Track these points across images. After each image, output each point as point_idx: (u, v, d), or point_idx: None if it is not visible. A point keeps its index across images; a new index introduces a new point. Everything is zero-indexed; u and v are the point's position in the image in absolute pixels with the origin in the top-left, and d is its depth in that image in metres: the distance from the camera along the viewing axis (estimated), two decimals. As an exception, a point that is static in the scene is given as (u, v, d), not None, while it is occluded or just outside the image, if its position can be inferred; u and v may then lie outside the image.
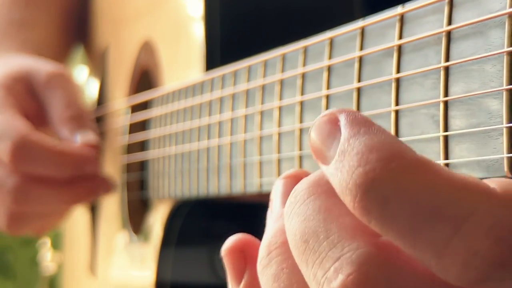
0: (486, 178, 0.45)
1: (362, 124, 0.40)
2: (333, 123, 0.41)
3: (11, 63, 1.03)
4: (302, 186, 0.43)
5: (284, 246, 0.44)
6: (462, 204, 0.37)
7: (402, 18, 0.51)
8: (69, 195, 0.97)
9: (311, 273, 0.40)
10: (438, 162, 0.48)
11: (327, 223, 0.41)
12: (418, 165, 0.38)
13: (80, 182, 0.97)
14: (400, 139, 0.46)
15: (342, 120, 0.41)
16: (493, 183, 0.38)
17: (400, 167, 0.38)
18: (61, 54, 1.19)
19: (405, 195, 0.38)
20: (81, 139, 0.96)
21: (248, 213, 0.92)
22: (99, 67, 1.22)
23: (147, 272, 0.97)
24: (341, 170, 0.39)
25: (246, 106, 0.71)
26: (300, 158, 0.63)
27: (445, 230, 0.37)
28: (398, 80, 0.52)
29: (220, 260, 0.61)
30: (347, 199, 0.39)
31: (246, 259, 0.49)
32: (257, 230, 0.95)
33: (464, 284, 0.37)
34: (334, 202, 0.42)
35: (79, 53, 1.32)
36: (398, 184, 0.38)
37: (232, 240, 0.50)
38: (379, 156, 0.38)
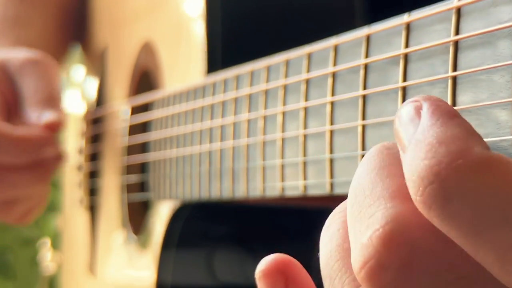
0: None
1: (443, 115, 0.39)
2: (416, 110, 0.40)
3: None
4: (374, 147, 0.43)
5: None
6: None
7: (408, 27, 0.51)
8: (34, 176, 0.98)
9: (352, 228, 0.40)
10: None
11: (375, 180, 0.41)
12: (486, 164, 0.36)
13: (44, 153, 0.98)
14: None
15: (425, 108, 0.40)
16: None
17: (467, 165, 0.36)
18: (57, 52, 1.19)
19: (469, 194, 0.36)
20: (43, 119, 0.96)
21: (250, 216, 0.92)
22: (98, 67, 1.22)
23: (146, 273, 0.97)
24: (410, 160, 0.38)
25: (249, 111, 0.71)
26: (304, 164, 0.63)
27: (510, 234, 0.35)
28: (404, 89, 0.51)
29: (217, 263, 0.60)
30: (412, 191, 0.38)
31: (287, 283, 0.45)
32: (259, 233, 0.95)
33: None
34: (392, 163, 0.41)
35: (76, 53, 1.31)
36: (463, 183, 0.36)
37: (269, 261, 0.45)
38: (447, 151, 0.37)
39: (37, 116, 0.97)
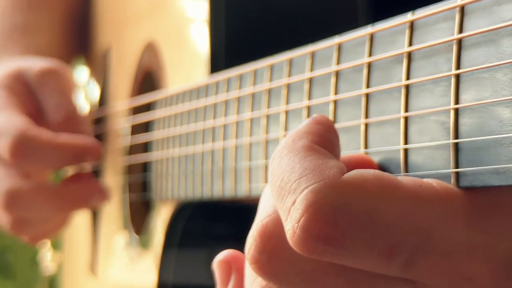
0: (497, 186, 0.45)
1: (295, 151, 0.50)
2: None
3: (9, 65, 1.04)
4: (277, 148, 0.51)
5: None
6: None
7: (412, 25, 0.52)
8: (62, 202, 0.98)
9: (282, 207, 0.47)
10: (448, 170, 0.48)
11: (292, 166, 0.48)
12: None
13: (74, 188, 0.98)
14: (409, 145, 0.50)
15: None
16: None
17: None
18: (65, 57, 1.19)
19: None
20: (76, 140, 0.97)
21: (252, 216, 0.92)
22: (101, 68, 1.22)
23: (148, 274, 0.97)
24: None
25: (252, 110, 0.71)
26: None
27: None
28: (407, 87, 0.52)
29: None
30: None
31: (231, 269, 0.56)
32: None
33: None
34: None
35: (79, 60, 1.32)
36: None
37: (221, 254, 0.57)
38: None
39: (67, 139, 0.96)
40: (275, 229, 0.49)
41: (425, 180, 0.47)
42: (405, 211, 0.45)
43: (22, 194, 0.96)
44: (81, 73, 1.31)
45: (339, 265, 0.47)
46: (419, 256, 0.45)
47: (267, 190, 0.54)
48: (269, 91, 0.69)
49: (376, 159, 0.55)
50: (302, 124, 0.51)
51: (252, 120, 0.71)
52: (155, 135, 0.97)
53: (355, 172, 0.46)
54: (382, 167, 0.53)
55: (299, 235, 0.45)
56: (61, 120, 0.98)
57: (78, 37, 1.25)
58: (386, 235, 0.45)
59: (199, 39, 0.88)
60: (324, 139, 0.50)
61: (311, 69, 0.63)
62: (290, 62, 0.66)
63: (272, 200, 0.50)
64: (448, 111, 0.48)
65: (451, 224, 0.46)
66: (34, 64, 1.02)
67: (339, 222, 0.44)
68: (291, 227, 0.46)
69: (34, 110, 1.01)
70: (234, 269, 0.55)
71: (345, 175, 0.46)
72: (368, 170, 0.46)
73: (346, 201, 0.45)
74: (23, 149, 0.94)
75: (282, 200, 0.47)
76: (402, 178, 0.47)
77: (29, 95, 1.01)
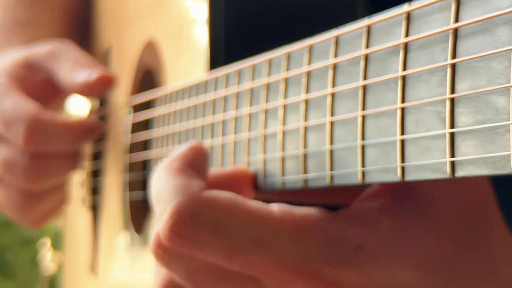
0: (492, 175, 0.45)
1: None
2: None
3: (12, 55, 1.04)
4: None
5: None
6: None
7: (408, 16, 0.52)
8: (71, 163, 1.01)
9: (157, 212, 0.65)
10: (444, 160, 0.48)
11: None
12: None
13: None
14: (405, 136, 0.51)
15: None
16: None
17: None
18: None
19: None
20: (95, 74, 0.97)
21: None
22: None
23: (149, 273, 0.97)
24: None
25: (251, 105, 0.72)
26: (305, 156, 0.63)
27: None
28: (404, 78, 0.52)
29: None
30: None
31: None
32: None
33: None
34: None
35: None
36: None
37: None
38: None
39: (88, 74, 0.97)
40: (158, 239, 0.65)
41: (271, 204, 0.62)
42: (243, 223, 0.61)
43: (42, 164, 0.98)
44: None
45: (202, 262, 0.63)
46: (252, 258, 0.60)
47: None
48: (268, 86, 0.69)
49: (373, 150, 0.55)
50: (180, 148, 0.67)
51: (250, 115, 0.72)
52: (155, 132, 0.97)
53: (211, 192, 0.62)
54: (260, 173, 0.68)
55: (166, 232, 0.61)
56: (83, 64, 0.99)
57: (79, 36, 1.25)
58: (225, 239, 0.61)
59: (199, 37, 0.88)
60: (194, 162, 0.66)
61: (309, 63, 0.63)
62: (288, 56, 0.66)
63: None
64: (444, 101, 0.48)
65: (279, 238, 0.60)
66: (42, 46, 1.03)
67: (191, 225, 0.61)
68: (161, 226, 0.62)
69: (40, 90, 1.01)
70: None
71: (204, 193, 0.62)
72: (224, 192, 0.62)
73: (199, 212, 0.61)
74: (37, 135, 0.94)
75: (157, 207, 0.64)
76: (252, 201, 0.62)
77: (36, 76, 1.01)
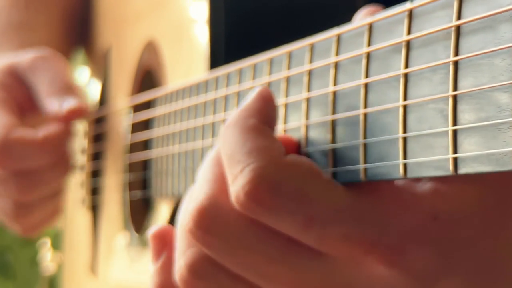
0: (495, 172, 0.45)
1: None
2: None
3: (0, 61, 1.05)
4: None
5: None
6: None
7: (410, 14, 0.52)
8: (61, 169, 1.01)
9: (229, 172, 0.59)
10: (447, 156, 0.48)
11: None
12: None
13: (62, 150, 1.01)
14: (408, 134, 0.52)
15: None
16: None
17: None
18: (63, 56, 1.20)
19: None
20: (66, 107, 0.98)
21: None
22: (101, 68, 1.22)
23: (149, 274, 0.97)
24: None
25: (252, 104, 0.72)
26: (307, 154, 0.63)
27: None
28: (406, 76, 0.52)
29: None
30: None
31: (165, 243, 0.65)
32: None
33: None
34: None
35: (80, 55, 1.32)
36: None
37: (154, 228, 0.66)
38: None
39: (59, 105, 0.98)
40: (212, 208, 0.60)
41: None
42: (325, 192, 0.57)
43: (33, 175, 0.97)
44: (82, 73, 1.32)
45: (260, 242, 0.59)
46: (330, 230, 0.56)
47: (204, 167, 0.63)
48: (269, 85, 0.69)
49: (375, 148, 0.55)
50: (251, 99, 0.61)
51: (251, 114, 0.72)
52: (155, 132, 0.97)
53: (293, 157, 0.58)
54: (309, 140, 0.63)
55: (243, 197, 0.57)
56: (57, 90, 0.99)
57: (78, 36, 1.25)
58: (307, 208, 0.56)
59: (199, 37, 0.89)
60: (269, 117, 0.61)
61: (310, 62, 0.63)
62: (289, 55, 0.66)
63: (209, 182, 0.61)
64: (446, 98, 0.48)
65: (361, 209, 0.57)
66: (26, 55, 1.03)
67: (273, 191, 0.57)
68: (236, 189, 0.57)
69: (25, 100, 1.01)
70: (167, 243, 0.65)
71: (286, 157, 0.58)
72: (303, 157, 0.59)
73: (282, 178, 0.57)
74: (7, 156, 0.95)
75: (231, 167, 0.59)
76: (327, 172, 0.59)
77: (20, 86, 1.01)
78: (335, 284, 0.58)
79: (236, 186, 0.57)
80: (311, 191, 0.57)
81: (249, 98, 0.61)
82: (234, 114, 0.61)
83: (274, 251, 0.58)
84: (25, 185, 0.98)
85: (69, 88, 1.00)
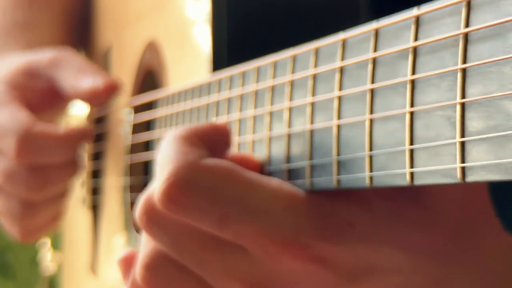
0: (504, 180, 0.45)
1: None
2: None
3: (13, 60, 1.04)
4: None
5: None
6: None
7: (417, 20, 0.51)
8: (70, 171, 1.01)
9: (157, 176, 0.64)
10: (454, 165, 0.48)
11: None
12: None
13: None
14: (415, 146, 0.52)
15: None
16: None
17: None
18: None
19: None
20: (100, 81, 0.97)
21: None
22: (102, 67, 1.22)
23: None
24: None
25: (255, 107, 0.71)
26: (311, 159, 0.63)
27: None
28: (413, 82, 0.52)
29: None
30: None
31: (131, 265, 0.69)
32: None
33: None
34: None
35: (81, 55, 1.32)
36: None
37: (122, 253, 0.71)
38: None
39: (94, 80, 0.98)
40: (152, 200, 0.65)
41: (272, 178, 0.63)
42: (238, 191, 0.61)
43: (44, 173, 0.98)
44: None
45: (192, 232, 0.63)
46: (244, 227, 0.61)
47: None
48: (273, 88, 0.69)
49: (381, 155, 0.55)
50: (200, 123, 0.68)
51: (255, 117, 0.71)
52: (157, 134, 0.96)
53: (212, 160, 0.63)
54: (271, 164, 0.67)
55: (160, 196, 0.62)
56: (90, 71, 0.99)
57: (78, 36, 1.25)
58: (219, 206, 0.61)
59: (201, 37, 0.88)
60: (204, 134, 0.66)
61: (315, 66, 0.63)
62: (294, 58, 0.66)
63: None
64: (454, 105, 0.48)
65: (274, 208, 0.61)
66: (45, 54, 1.03)
67: (186, 190, 0.61)
68: (157, 189, 0.62)
69: (40, 98, 1.01)
70: (133, 264, 0.69)
71: (202, 159, 0.62)
72: (223, 161, 0.63)
73: (196, 178, 0.61)
74: (28, 147, 0.94)
75: (158, 172, 0.64)
76: (250, 171, 0.63)
77: (33, 85, 1.01)
78: (259, 275, 0.62)
79: (157, 188, 0.63)
80: (224, 191, 0.61)
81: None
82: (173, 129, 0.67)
83: (205, 241, 0.63)
84: (35, 182, 0.98)
85: (97, 71, 1.00)
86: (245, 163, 0.66)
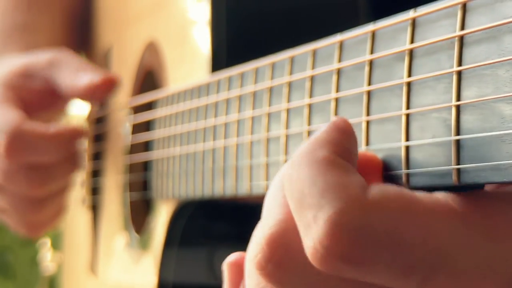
0: (498, 182, 0.45)
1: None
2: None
3: (11, 62, 1.05)
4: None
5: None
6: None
7: (414, 22, 0.52)
8: (70, 166, 1.02)
9: (301, 220, 0.48)
10: (450, 167, 0.48)
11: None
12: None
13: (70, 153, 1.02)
14: (410, 142, 0.50)
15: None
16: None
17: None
18: None
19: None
20: (98, 77, 0.98)
21: (253, 215, 0.92)
22: (102, 68, 1.22)
23: (148, 275, 0.97)
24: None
25: (253, 108, 0.72)
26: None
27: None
28: (409, 84, 0.52)
29: (219, 262, 0.61)
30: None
31: (243, 272, 0.54)
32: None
33: None
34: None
35: (81, 56, 1.32)
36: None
37: (232, 256, 0.57)
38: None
39: (91, 77, 0.98)
40: (283, 239, 0.49)
41: (438, 194, 0.48)
42: (423, 228, 0.46)
43: (42, 171, 0.98)
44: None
45: (348, 281, 0.48)
46: (435, 274, 0.46)
47: (272, 193, 0.53)
48: (271, 90, 0.69)
49: (377, 156, 0.55)
50: (322, 129, 0.51)
51: (253, 118, 0.72)
52: (156, 134, 0.97)
53: (378, 191, 0.47)
54: (384, 162, 0.53)
55: (322, 254, 0.46)
56: (88, 69, 0.99)
57: (79, 37, 1.25)
58: (405, 254, 0.46)
59: (200, 38, 0.88)
60: (345, 149, 0.50)
61: (313, 67, 0.63)
62: (292, 60, 0.66)
63: (280, 206, 0.51)
64: (449, 108, 0.48)
65: (466, 240, 0.47)
66: (42, 55, 1.03)
67: (361, 243, 0.45)
68: (312, 244, 0.47)
69: (37, 98, 1.02)
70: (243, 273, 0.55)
71: (368, 194, 0.47)
72: (390, 187, 0.47)
73: (369, 222, 0.46)
74: (17, 145, 0.95)
75: (301, 212, 0.48)
76: (419, 194, 0.47)
77: (29, 86, 1.02)
78: None
79: (310, 240, 0.47)
80: (407, 233, 0.46)
81: (320, 129, 0.51)
82: (301, 147, 0.50)
83: None
84: (35, 179, 0.98)
85: (95, 70, 1.00)
86: (370, 164, 0.53)
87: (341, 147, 0.50)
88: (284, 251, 0.49)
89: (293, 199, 0.48)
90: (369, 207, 0.46)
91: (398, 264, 0.46)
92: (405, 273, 0.46)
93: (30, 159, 0.98)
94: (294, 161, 0.49)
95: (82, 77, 0.98)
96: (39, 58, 1.03)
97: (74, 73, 0.99)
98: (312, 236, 0.46)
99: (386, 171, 0.53)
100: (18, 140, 0.95)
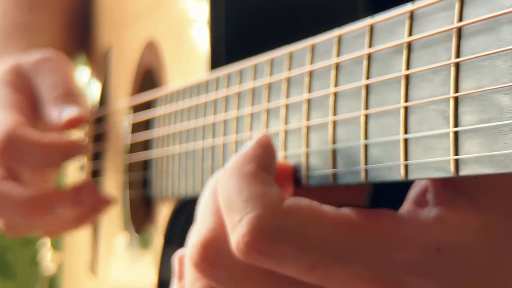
0: (497, 173, 0.45)
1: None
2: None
3: (7, 62, 1.05)
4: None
5: None
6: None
7: (411, 15, 0.52)
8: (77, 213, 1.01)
9: (229, 221, 0.59)
10: (448, 158, 0.48)
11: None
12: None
13: (86, 200, 1.01)
14: (409, 135, 0.51)
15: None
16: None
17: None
18: (66, 56, 1.20)
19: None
20: (64, 117, 0.98)
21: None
22: (102, 67, 1.22)
23: (148, 274, 0.97)
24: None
25: (252, 105, 0.72)
26: (307, 155, 0.63)
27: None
28: (407, 77, 0.52)
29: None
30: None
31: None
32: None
33: None
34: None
35: (81, 55, 1.32)
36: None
37: (179, 251, 0.67)
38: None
39: (58, 115, 0.98)
40: (214, 242, 0.60)
41: (344, 209, 0.58)
42: (326, 233, 0.56)
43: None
44: (82, 73, 1.31)
45: (264, 274, 0.59)
46: (334, 271, 0.56)
47: (205, 201, 0.63)
48: (269, 86, 0.69)
49: (376, 150, 0.55)
50: (249, 146, 0.62)
51: (252, 115, 0.72)
52: (156, 132, 0.97)
53: (291, 202, 0.57)
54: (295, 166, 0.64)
55: (243, 248, 0.57)
56: (58, 96, 0.99)
57: (79, 36, 1.25)
58: (309, 252, 0.56)
59: (199, 37, 0.88)
60: (266, 164, 0.61)
61: (311, 63, 0.63)
62: (290, 56, 0.66)
63: (211, 215, 0.61)
64: (447, 100, 0.48)
65: (365, 247, 0.56)
66: (30, 56, 1.03)
67: (274, 240, 0.56)
68: (236, 239, 0.57)
69: (31, 101, 1.02)
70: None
71: (284, 203, 0.57)
72: (302, 200, 0.58)
73: (281, 225, 0.56)
74: (9, 149, 0.95)
75: (230, 215, 0.59)
76: (326, 207, 0.57)
77: (25, 86, 1.02)
78: None
79: (236, 236, 0.57)
80: (312, 235, 0.56)
81: (247, 145, 0.62)
82: (231, 161, 0.61)
83: (278, 286, 0.59)
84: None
85: (70, 94, 1.00)
86: (281, 171, 0.64)
87: (263, 162, 0.61)
88: (216, 252, 0.60)
89: (224, 204, 0.59)
90: (283, 213, 0.57)
91: (303, 260, 0.56)
92: (309, 267, 0.56)
93: (20, 164, 0.98)
94: (226, 172, 0.60)
95: (52, 111, 0.98)
96: (26, 59, 1.03)
97: (49, 94, 0.99)
98: (237, 234, 0.57)
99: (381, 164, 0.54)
100: (9, 145, 0.95)
